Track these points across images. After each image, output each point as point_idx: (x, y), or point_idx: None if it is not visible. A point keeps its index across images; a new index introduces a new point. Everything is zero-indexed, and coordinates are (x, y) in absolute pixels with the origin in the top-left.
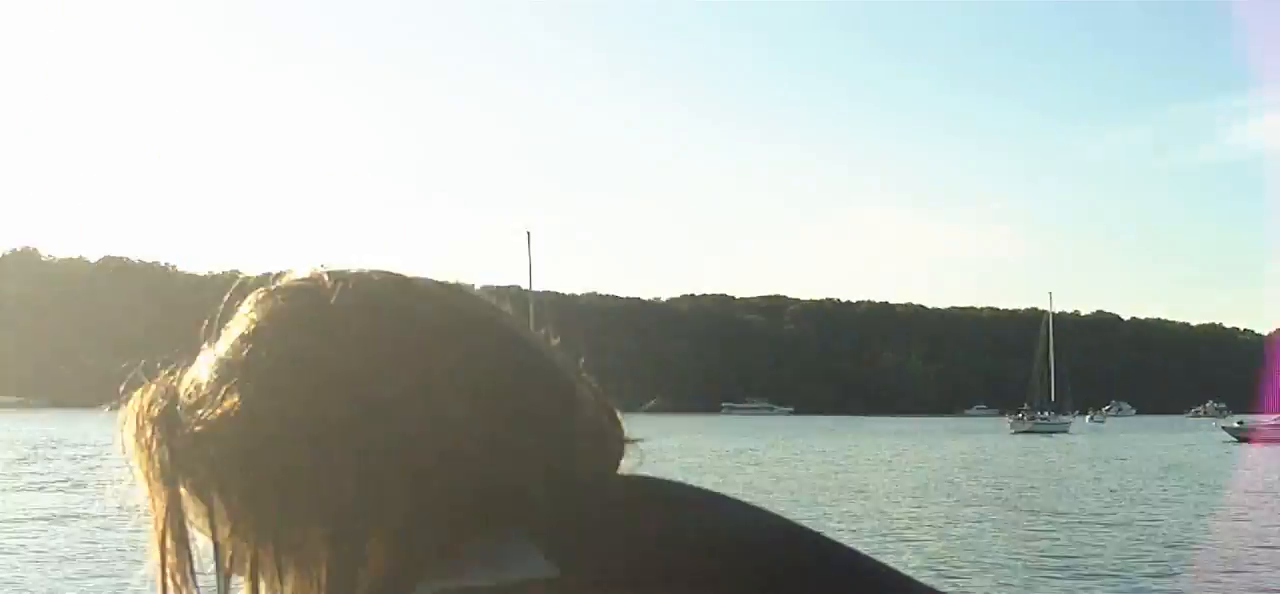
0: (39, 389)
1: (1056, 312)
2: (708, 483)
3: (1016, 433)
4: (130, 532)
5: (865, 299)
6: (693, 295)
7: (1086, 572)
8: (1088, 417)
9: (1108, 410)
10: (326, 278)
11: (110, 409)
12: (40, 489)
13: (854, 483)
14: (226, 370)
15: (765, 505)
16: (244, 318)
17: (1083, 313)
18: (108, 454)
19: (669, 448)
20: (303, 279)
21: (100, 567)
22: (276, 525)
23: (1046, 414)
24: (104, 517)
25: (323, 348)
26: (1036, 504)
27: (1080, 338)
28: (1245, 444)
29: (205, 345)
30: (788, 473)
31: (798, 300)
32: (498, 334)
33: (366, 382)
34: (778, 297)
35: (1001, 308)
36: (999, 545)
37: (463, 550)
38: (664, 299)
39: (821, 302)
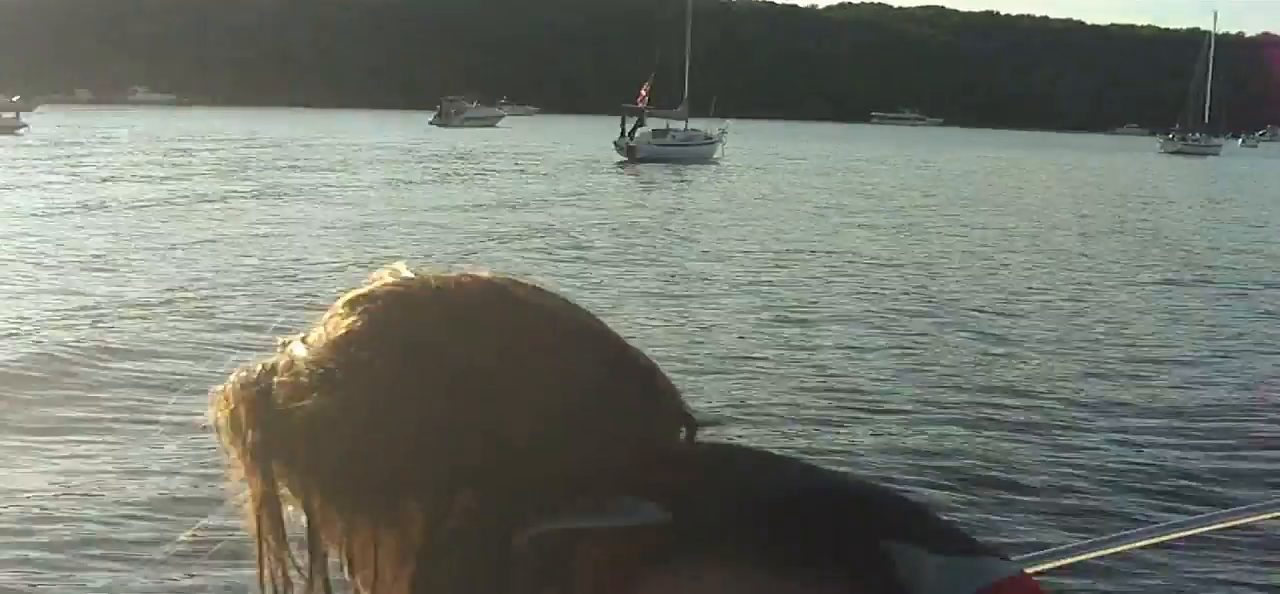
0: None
1: (1219, 33)
2: (828, 185)
3: (1166, 153)
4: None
5: (1026, 13)
6: (850, 3)
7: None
8: (1239, 140)
9: (1262, 135)
10: (414, 276)
11: None
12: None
13: (971, 195)
14: (320, 354)
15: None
16: (335, 314)
17: (1247, 34)
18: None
19: (811, 152)
20: (391, 281)
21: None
22: (370, 498)
23: (1198, 136)
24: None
25: (423, 333)
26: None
27: (1242, 59)
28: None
29: (298, 338)
30: (904, 183)
31: (957, 11)
32: (583, 320)
33: (464, 361)
34: (937, 7)
35: (1162, 27)
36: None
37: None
38: (821, 6)
39: (981, 14)
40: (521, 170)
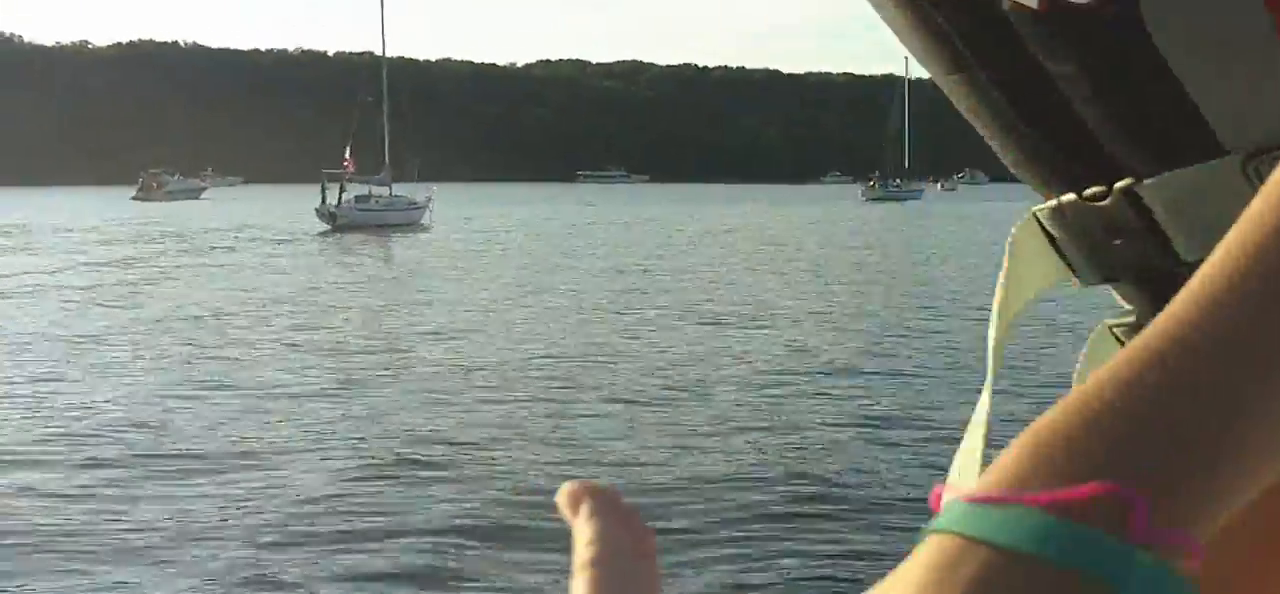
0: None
1: (912, 77)
2: (548, 249)
3: (867, 200)
4: None
5: (722, 64)
6: (548, 60)
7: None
8: (939, 184)
9: (960, 177)
10: None
11: None
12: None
13: (677, 249)
14: None
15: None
16: None
17: None
18: None
19: (519, 215)
20: None
21: None
22: None
23: (898, 182)
24: None
25: None
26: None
27: (936, 104)
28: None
29: None
30: (627, 238)
31: (654, 64)
32: None
33: None
34: (633, 61)
35: (858, 73)
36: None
37: None
38: (520, 64)
39: (679, 66)
40: (229, 246)
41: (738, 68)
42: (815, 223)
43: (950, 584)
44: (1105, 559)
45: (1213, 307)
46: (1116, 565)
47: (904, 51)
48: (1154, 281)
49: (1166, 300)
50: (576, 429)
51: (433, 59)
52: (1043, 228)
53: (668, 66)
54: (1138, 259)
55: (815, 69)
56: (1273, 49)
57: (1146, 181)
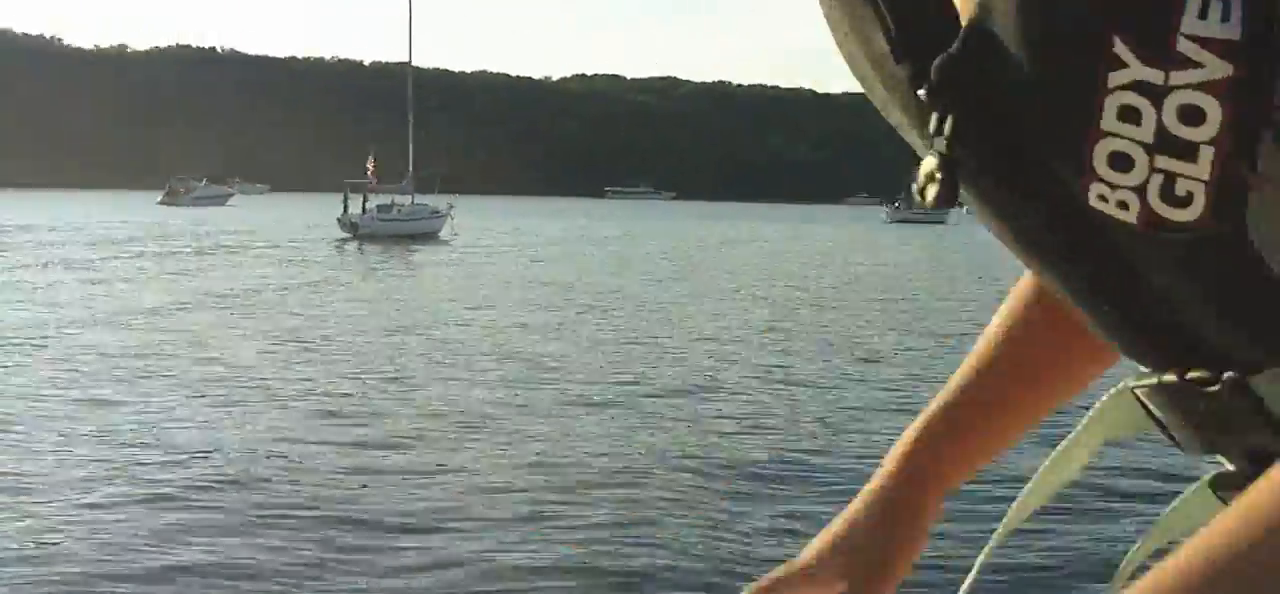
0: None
1: None
2: (563, 263)
3: (892, 222)
4: None
5: (757, 83)
6: (584, 74)
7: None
8: (965, 208)
9: None
10: None
11: None
12: None
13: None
14: None
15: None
16: None
17: None
18: None
19: (544, 229)
20: None
21: None
22: None
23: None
24: None
25: None
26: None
27: None
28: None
29: None
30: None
31: (689, 81)
32: None
33: None
34: (669, 77)
35: None
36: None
37: None
38: (554, 78)
39: (713, 84)
40: (244, 248)
41: (772, 86)
42: (829, 244)
43: None
44: None
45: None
46: None
47: None
48: (1267, 459)
49: None
50: (577, 438)
51: (468, 70)
52: (1140, 400)
53: (702, 83)
54: (1247, 440)
55: (850, 90)
56: None
57: (1257, 376)
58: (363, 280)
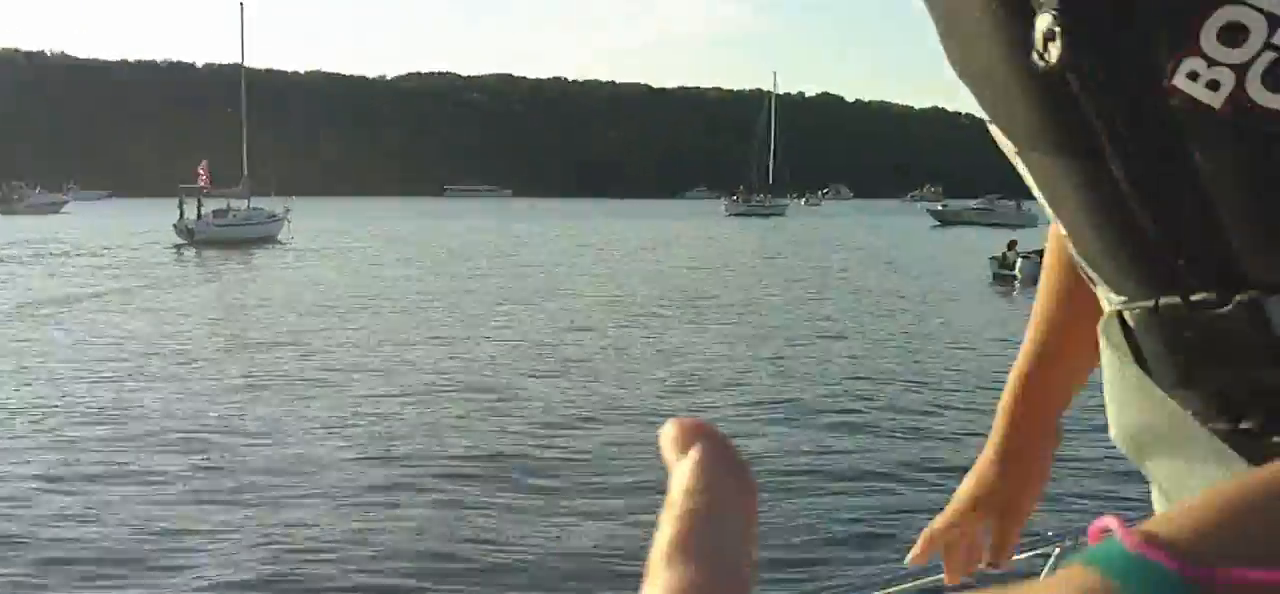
0: None
1: (780, 92)
2: (394, 262)
3: (731, 215)
4: None
5: (593, 79)
6: (418, 73)
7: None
8: (804, 199)
9: (825, 193)
10: None
11: None
12: None
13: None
14: None
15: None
16: None
17: (807, 94)
18: None
19: (381, 229)
20: None
21: None
22: None
23: (762, 197)
24: None
25: None
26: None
27: (803, 119)
28: (946, 226)
29: None
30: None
31: (526, 79)
32: None
33: None
34: (505, 75)
35: (727, 89)
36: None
37: None
38: (389, 77)
39: (549, 80)
40: (77, 255)
41: (608, 82)
42: (668, 235)
43: None
44: None
45: None
46: None
47: (772, 67)
48: (1248, 405)
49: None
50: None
51: (301, 71)
52: (1124, 326)
53: (537, 80)
54: (1237, 374)
55: (684, 84)
56: None
57: (1275, 297)
58: (197, 286)
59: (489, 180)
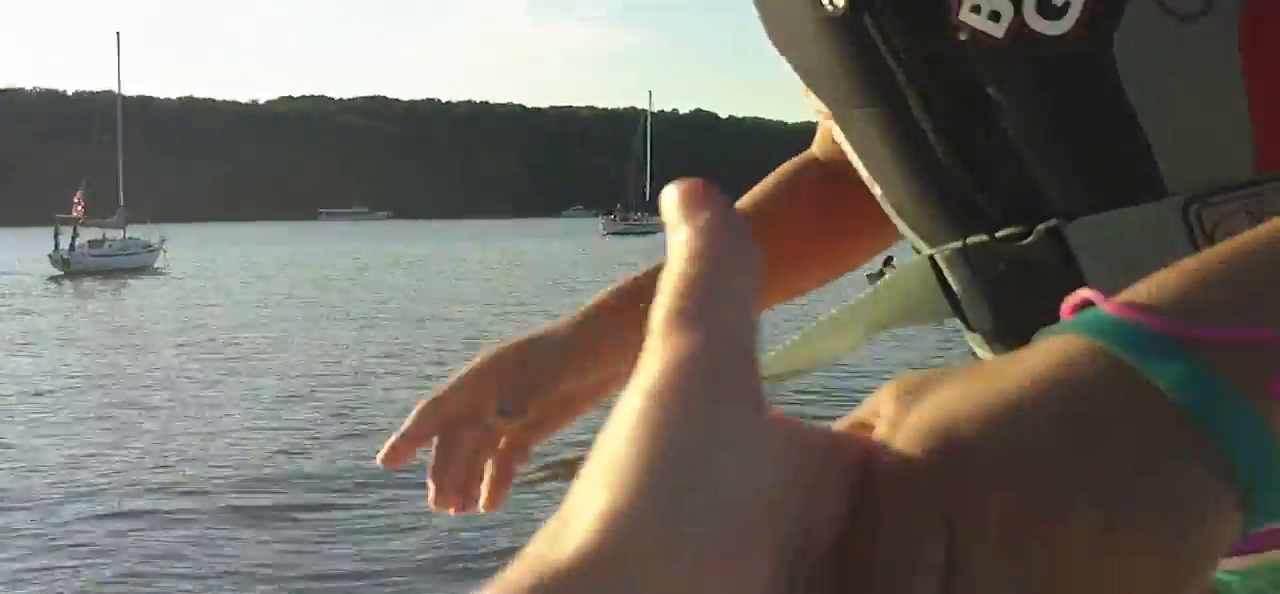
0: None
1: (655, 110)
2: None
3: (608, 234)
4: None
5: (466, 98)
6: (290, 96)
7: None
8: None
9: None
10: None
11: None
12: None
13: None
14: None
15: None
16: None
17: (681, 111)
18: None
19: (256, 255)
20: None
21: None
22: None
23: (639, 215)
24: None
25: None
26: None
27: (679, 136)
28: None
29: None
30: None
31: (397, 101)
32: None
33: None
34: (377, 97)
35: (601, 107)
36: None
37: None
38: (261, 102)
39: (421, 102)
40: None
41: (481, 102)
42: (542, 257)
43: (1083, 393)
44: (1230, 424)
45: None
46: (1240, 438)
47: (648, 85)
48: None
49: None
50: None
51: (174, 97)
52: (937, 269)
53: (410, 101)
54: (1045, 307)
55: (559, 103)
56: (1235, 98)
57: (1075, 222)
58: (70, 317)
59: (367, 202)
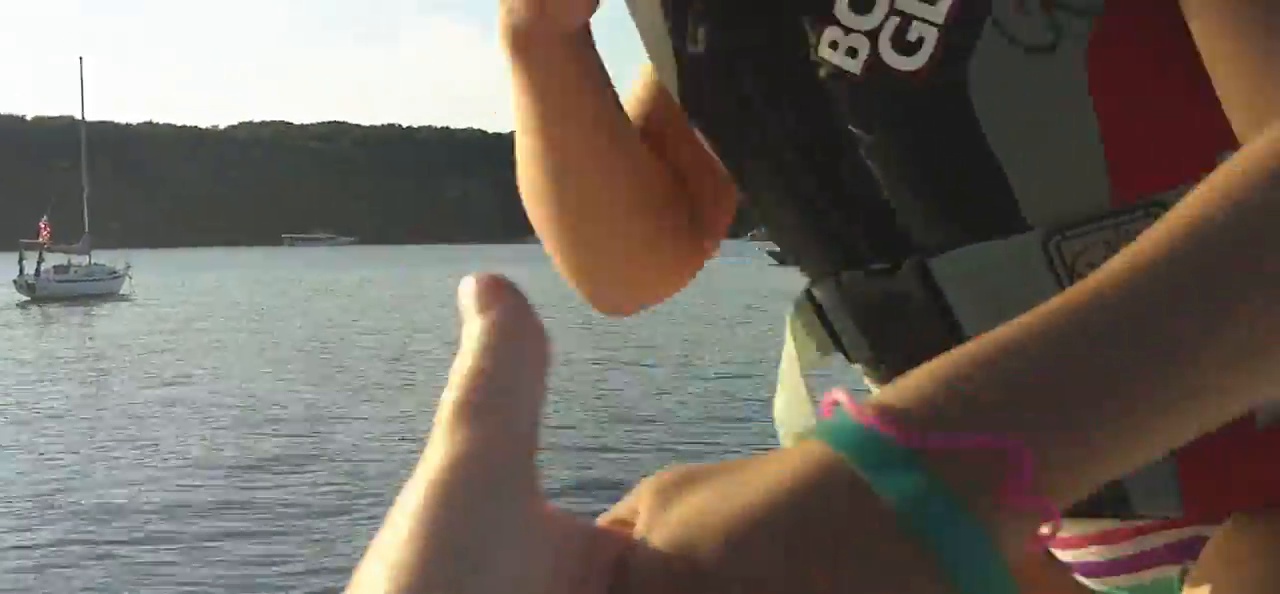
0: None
1: None
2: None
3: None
4: None
5: (427, 124)
6: (251, 122)
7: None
8: None
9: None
10: None
11: None
12: None
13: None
14: None
15: None
16: None
17: None
18: None
19: (218, 281)
20: None
21: None
22: None
23: None
24: None
25: None
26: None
27: None
28: (784, 266)
29: None
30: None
31: (358, 126)
32: None
33: None
34: (336, 122)
35: None
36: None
37: None
38: (222, 127)
39: (382, 128)
40: None
41: (442, 127)
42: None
43: (816, 513)
44: (956, 542)
45: (1126, 293)
46: (959, 552)
47: None
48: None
49: None
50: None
51: (134, 123)
52: (815, 305)
53: (372, 127)
54: (916, 339)
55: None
56: (1087, 131)
57: (940, 256)
58: (37, 342)
59: (328, 228)
